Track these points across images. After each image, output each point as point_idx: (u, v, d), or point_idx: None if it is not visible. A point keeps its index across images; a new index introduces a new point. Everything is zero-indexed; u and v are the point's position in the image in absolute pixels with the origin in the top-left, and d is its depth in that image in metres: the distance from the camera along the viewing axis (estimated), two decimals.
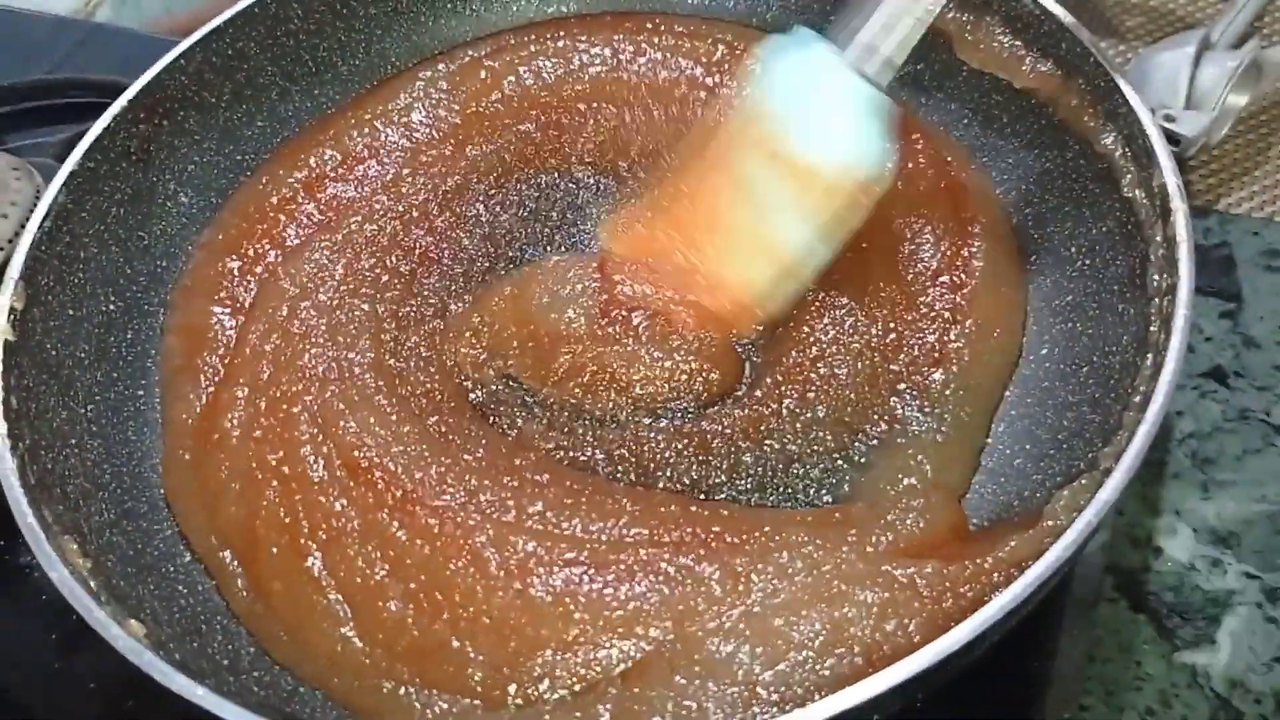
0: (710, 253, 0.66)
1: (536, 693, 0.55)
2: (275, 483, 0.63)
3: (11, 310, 0.63)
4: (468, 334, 0.70)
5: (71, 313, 0.68)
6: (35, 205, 0.69)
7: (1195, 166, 0.84)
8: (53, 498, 0.59)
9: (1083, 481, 0.54)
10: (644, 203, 0.70)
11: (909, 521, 0.57)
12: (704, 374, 0.67)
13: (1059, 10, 0.66)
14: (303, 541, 0.61)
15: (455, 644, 0.57)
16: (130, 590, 0.58)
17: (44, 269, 0.66)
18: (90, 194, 0.70)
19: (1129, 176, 0.62)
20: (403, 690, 0.56)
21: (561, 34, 0.82)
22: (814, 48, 0.63)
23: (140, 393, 0.69)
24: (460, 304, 0.72)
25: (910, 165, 0.71)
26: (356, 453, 0.63)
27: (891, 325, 0.67)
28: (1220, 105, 0.79)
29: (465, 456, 0.63)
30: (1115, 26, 0.92)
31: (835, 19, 0.64)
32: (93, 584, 0.55)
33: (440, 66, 0.81)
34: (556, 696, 0.55)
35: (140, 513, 0.64)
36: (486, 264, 0.74)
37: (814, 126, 0.62)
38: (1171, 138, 0.76)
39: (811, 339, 0.66)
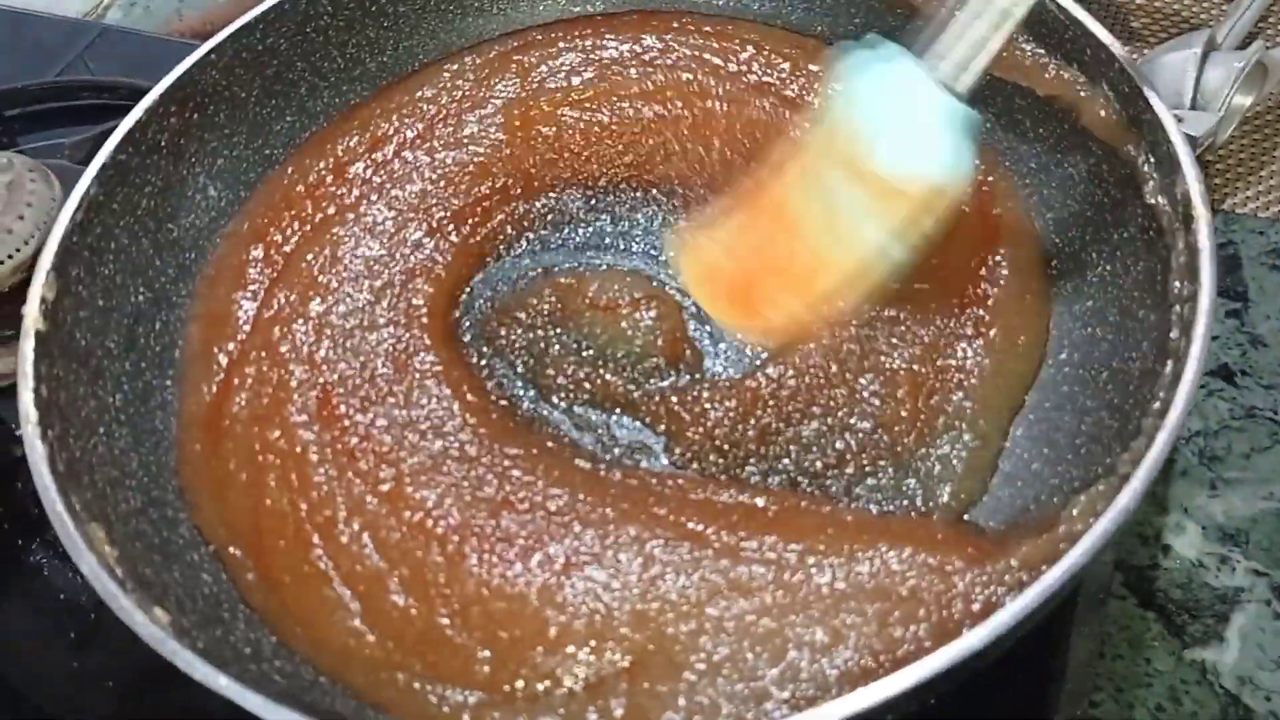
0: (787, 260, 0.64)
1: (544, 686, 0.56)
2: (277, 466, 0.64)
3: (43, 300, 0.64)
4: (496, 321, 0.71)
5: (102, 303, 0.68)
6: (52, 206, 0.70)
7: (1201, 166, 0.84)
8: (81, 485, 0.60)
9: (1100, 487, 0.54)
10: (717, 216, 0.68)
11: (917, 527, 0.57)
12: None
13: (1084, 16, 0.66)
14: (305, 529, 0.62)
15: (457, 638, 0.57)
16: (155, 578, 0.59)
17: (75, 260, 0.67)
18: (121, 186, 0.70)
19: (1152, 183, 0.62)
20: (416, 684, 0.57)
21: (589, 31, 0.82)
22: (898, 62, 0.61)
23: (168, 383, 0.70)
24: (483, 289, 0.74)
25: None
26: (350, 436, 0.64)
27: (915, 336, 0.67)
28: (1226, 106, 0.79)
29: (464, 437, 0.64)
30: (1121, 28, 0.92)
31: (910, 30, 0.63)
32: (119, 571, 0.56)
33: (467, 59, 0.82)
34: (564, 691, 0.55)
35: (166, 501, 0.65)
36: (503, 252, 0.76)
37: (901, 143, 0.60)
38: None
39: (831, 352, 0.67)
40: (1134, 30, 0.92)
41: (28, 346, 0.62)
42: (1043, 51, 0.69)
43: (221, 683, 0.50)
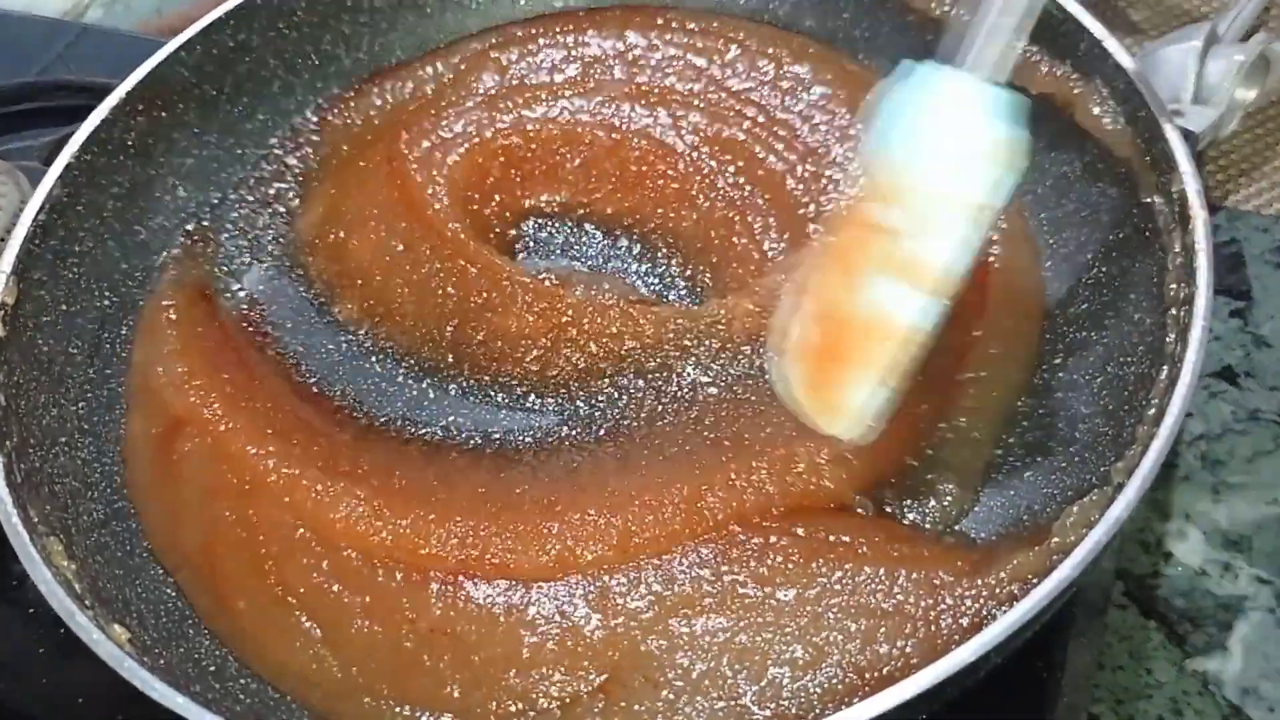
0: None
1: (518, 708, 0.54)
2: (235, 484, 0.62)
3: (2, 305, 0.62)
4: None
5: (65, 308, 0.67)
6: (20, 209, 0.68)
7: (1203, 162, 0.83)
8: (40, 497, 0.58)
9: (1093, 496, 0.53)
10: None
11: (904, 540, 0.56)
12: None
13: (1078, 9, 0.65)
14: (263, 556, 0.59)
15: (426, 661, 0.55)
16: (117, 593, 0.58)
17: (37, 264, 0.65)
18: (86, 187, 0.69)
19: (1148, 182, 0.60)
20: (384, 705, 0.55)
21: (570, 28, 0.80)
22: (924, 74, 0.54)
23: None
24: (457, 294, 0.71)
25: None
26: (314, 447, 0.63)
27: None
28: (1228, 100, 0.78)
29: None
30: (1120, 21, 0.90)
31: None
32: (78, 586, 0.54)
33: (445, 55, 0.80)
34: (537, 711, 0.54)
35: (130, 513, 0.63)
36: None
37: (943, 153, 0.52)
38: None
39: None
40: (1134, 23, 0.91)
41: None
42: (1035, 48, 0.67)
43: (178, 701, 0.49)
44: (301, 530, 0.60)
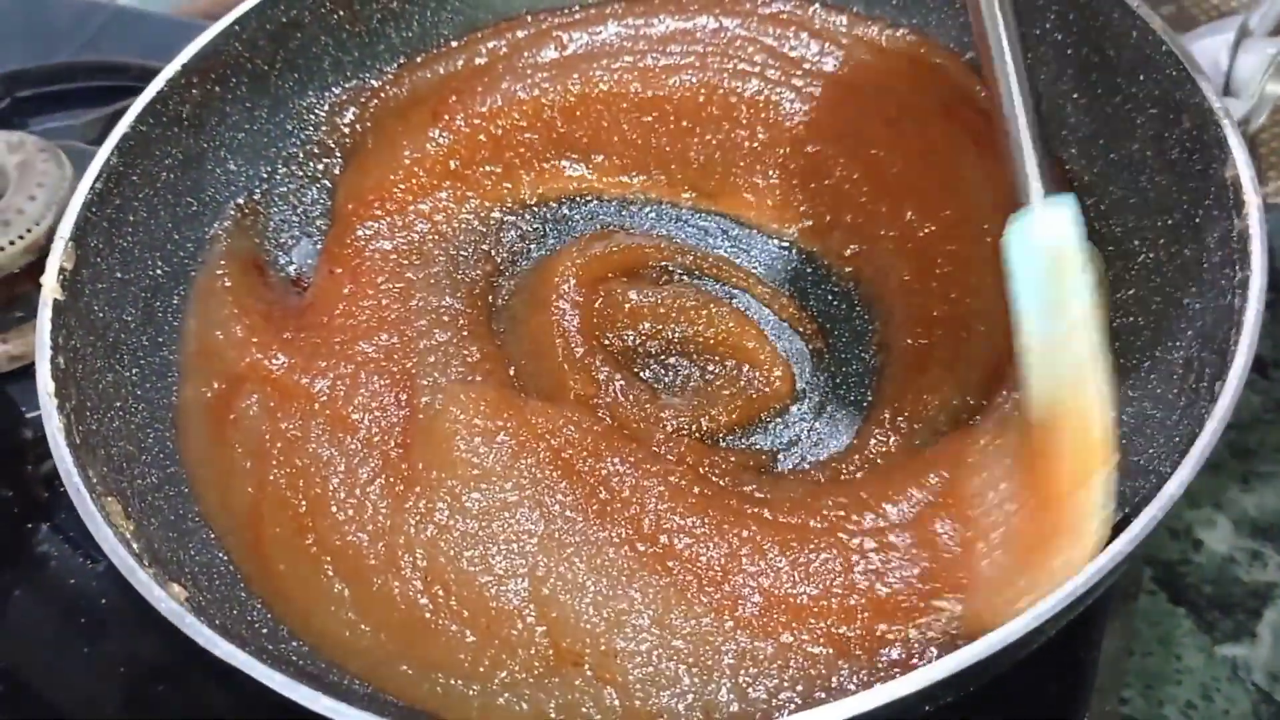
0: None
1: (518, 671, 0.55)
2: (281, 454, 0.62)
3: (61, 270, 0.63)
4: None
5: (120, 276, 0.67)
6: (63, 188, 0.69)
7: None
8: (97, 459, 0.59)
9: (1139, 483, 0.53)
10: None
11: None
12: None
13: None
14: (303, 514, 0.60)
15: (437, 621, 0.56)
16: (172, 555, 0.58)
17: (94, 231, 0.66)
18: (142, 157, 0.69)
19: (1199, 168, 0.60)
20: (410, 671, 0.56)
21: (621, 8, 0.80)
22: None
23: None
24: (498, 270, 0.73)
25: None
26: (355, 416, 0.63)
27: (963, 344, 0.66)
28: (1259, 94, 0.78)
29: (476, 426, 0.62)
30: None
31: None
32: (135, 546, 0.55)
33: (500, 33, 0.80)
34: (533, 674, 0.55)
35: (182, 478, 0.64)
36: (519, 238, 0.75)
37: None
38: None
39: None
40: (1165, 17, 0.91)
41: (45, 315, 0.61)
42: (1087, 45, 0.68)
43: (241, 659, 0.49)
44: (340, 474, 0.61)
